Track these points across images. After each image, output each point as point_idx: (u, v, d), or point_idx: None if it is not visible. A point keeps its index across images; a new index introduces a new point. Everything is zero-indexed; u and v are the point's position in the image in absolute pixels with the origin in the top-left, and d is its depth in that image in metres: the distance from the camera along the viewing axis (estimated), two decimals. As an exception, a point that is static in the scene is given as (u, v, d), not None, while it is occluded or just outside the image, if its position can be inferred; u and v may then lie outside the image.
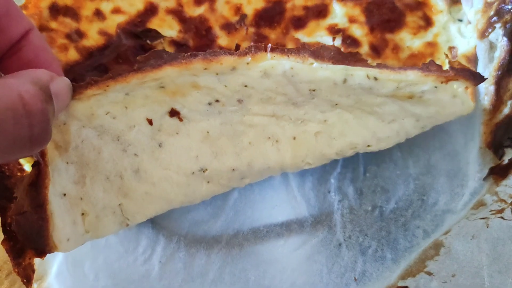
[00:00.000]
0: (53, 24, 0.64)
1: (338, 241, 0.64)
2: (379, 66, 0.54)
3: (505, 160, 0.63)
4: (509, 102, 0.61)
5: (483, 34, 0.64)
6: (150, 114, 0.56)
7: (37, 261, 0.61)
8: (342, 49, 0.66)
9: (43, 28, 0.63)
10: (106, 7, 0.67)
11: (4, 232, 0.55)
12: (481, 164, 0.65)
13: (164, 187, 0.59)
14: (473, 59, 0.65)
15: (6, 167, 0.59)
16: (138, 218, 0.59)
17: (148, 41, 0.66)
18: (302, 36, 0.68)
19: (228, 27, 0.68)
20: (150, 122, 0.56)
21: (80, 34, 0.65)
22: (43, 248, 0.53)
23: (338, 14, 0.69)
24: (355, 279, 0.62)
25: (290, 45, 0.67)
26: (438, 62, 0.65)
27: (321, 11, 0.69)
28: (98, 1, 0.67)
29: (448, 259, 0.58)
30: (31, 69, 0.44)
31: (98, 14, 0.66)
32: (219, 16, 0.69)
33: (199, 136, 0.58)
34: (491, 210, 0.60)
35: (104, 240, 0.66)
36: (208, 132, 0.58)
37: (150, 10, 0.68)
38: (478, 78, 0.55)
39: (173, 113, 0.57)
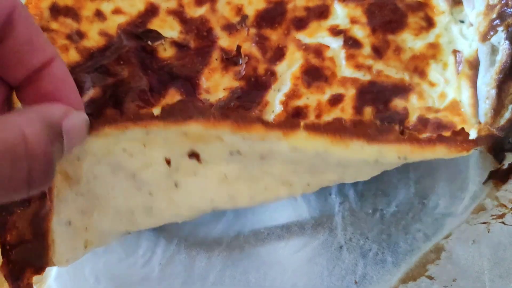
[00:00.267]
0: (54, 25, 0.64)
1: (339, 244, 0.64)
2: (410, 141, 0.53)
3: (505, 164, 0.63)
4: (510, 106, 0.61)
5: (485, 37, 0.64)
6: (169, 154, 0.55)
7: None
8: (344, 51, 0.66)
9: (44, 29, 0.63)
10: (106, 8, 0.67)
11: (2, 253, 0.54)
12: (481, 168, 0.65)
13: (173, 220, 0.59)
14: (475, 63, 0.64)
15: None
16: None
17: (149, 42, 0.66)
18: (304, 37, 0.68)
19: (229, 28, 0.68)
20: (168, 162, 0.55)
21: (81, 35, 0.64)
22: (41, 267, 0.54)
23: (340, 15, 0.69)
24: (356, 282, 0.62)
25: (291, 46, 0.67)
26: (440, 64, 0.65)
27: (323, 12, 0.69)
28: (98, 1, 0.67)
29: (449, 263, 0.58)
30: (45, 103, 0.43)
31: (99, 14, 0.66)
32: (220, 17, 0.68)
33: (216, 178, 0.57)
34: (492, 215, 0.60)
35: (104, 244, 0.66)
36: (226, 176, 0.57)
37: (151, 11, 0.68)
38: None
39: (193, 155, 0.55)
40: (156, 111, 0.52)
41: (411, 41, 0.67)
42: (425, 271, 0.59)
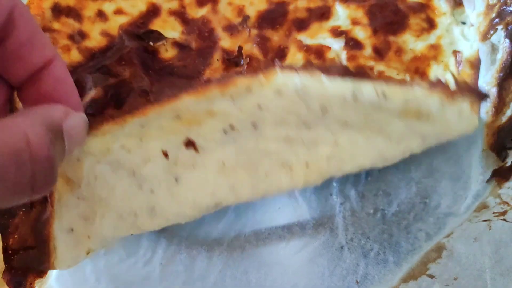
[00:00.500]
0: (56, 25, 0.64)
1: (340, 244, 0.64)
2: (385, 79, 0.55)
3: (508, 162, 0.62)
4: (511, 104, 0.61)
5: (485, 36, 0.64)
6: (165, 145, 0.55)
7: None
8: (345, 52, 0.66)
9: (46, 29, 0.63)
10: (108, 8, 0.67)
11: (5, 259, 0.54)
12: (484, 166, 0.65)
13: (176, 220, 0.59)
14: (476, 63, 0.64)
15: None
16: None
17: (150, 43, 0.66)
18: (305, 38, 0.68)
19: (231, 29, 0.68)
20: (165, 154, 0.56)
21: (83, 35, 0.65)
22: (43, 271, 0.54)
23: (341, 16, 0.69)
24: (357, 282, 0.62)
25: (292, 47, 0.67)
26: (441, 65, 0.65)
27: (324, 13, 0.69)
28: (100, 1, 0.67)
29: (450, 261, 0.58)
30: (45, 105, 0.43)
31: (101, 15, 0.66)
32: (221, 18, 0.69)
33: (215, 167, 0.57)
34: (494, 213, 0.59)
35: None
36: (224, 163, 0.57)
37: (153, 11, 0.68)
38: (482, 95, 0.56)
39: (189, 143, 0.56)
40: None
41: (413, 43, 0.67)
42: (426, 269, 0.59)
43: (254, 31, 0.68)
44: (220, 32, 0.68)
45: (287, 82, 0.54)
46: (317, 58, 0.66)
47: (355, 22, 0.68)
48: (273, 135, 0.58)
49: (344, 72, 0.55)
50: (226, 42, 0.67)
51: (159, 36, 0.66)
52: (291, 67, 0.54)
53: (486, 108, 0.63)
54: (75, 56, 0.63)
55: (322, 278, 0.63)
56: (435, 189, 0.65)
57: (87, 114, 0.48)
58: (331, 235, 0.64)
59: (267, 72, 0.54)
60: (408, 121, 0.57)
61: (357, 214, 0.65)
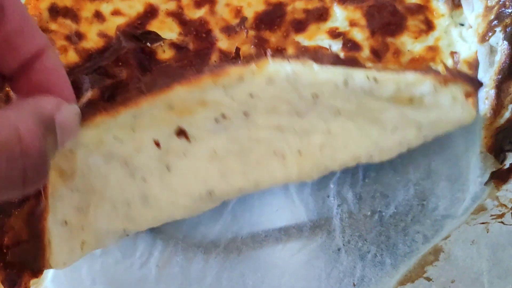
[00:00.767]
0: (53, 26, 0.64)
1: (337, 246, 0.64)
2: (377, 68, 0.55)
3: (507, 164, 0.62)
4: (510, 106, 0.61)
5: (483, 38, 0.64)
6: (157, 135, 0.56)
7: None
8: (343, 54, 0.65)
9: (43, 30, 0.62)
10: (106, 9, 0.67)
11: None
12: (482, 168, 0.65)
13: (171, 211, 0.58)
14: (475, 64, 0.64)
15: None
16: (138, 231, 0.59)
17: (148, 44, 0.65)
18: (303, 39, 0.67)
19: (228, 30, 0.68)
20: (157, 144, 0.56)
21: (80, 36, 0.64)
22: (39, 269, 0.54)
23: (339, 17, 0.69)
24: (354, 285, 0.61)
25: (290, 49, 0.66)
26: (438, 67, 0.65)
27: (322, 15, 0.69)
28: (98, 2, 0.67)
29: (447, 264, 0.58)
30: (37, 97, 0.42)
31: (98, 15, 0.66)
32: (219, 19, 0.68)
33: (206, 156, 0.58)
34: (492, 215, 0.59)
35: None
36: (215, 152, 0.58)
37: (150, 12, 0.68)
38: (476, 83, 0.55)
39: (180, 132, 0.56)
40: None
41: (411, 44, 0.67)
42: (423, 272, 0.59)
43: (252, 32, 0.68)
44: (217, 33, 0.68)
45: (279, 70, 0.55)
46: (315, 60, 0.66)
47: (353, 24, 0.68)
48: (264, 124, 0.58)
49: (336, 60, 0.56)
50: (223, 43, 0.67)
51: (156, 37, 0.66)
52: (283, 56, 0.56)
53: (484, 111, 0.62)
54: (72, 57, 0.63)
55: (319, 280, 0.62)
56: (432, 191, 0.65)
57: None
58: (328, 237, 0.64)
59: (258, 61, 0.55)
60: (401, 108, 0.58)
61: (354, 216, 0.65)
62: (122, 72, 0.62)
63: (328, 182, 0.67)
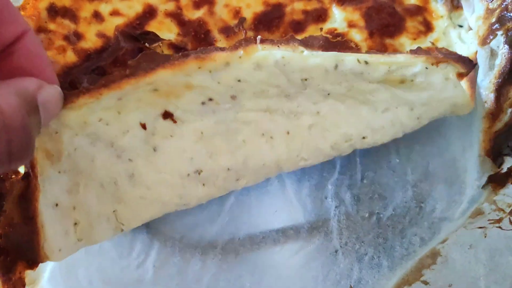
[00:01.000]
0: (51, 26, 0.64)
1: (335, 248, 0.64)
2: (368, 51, 0.56)
3: (504, 168, 0.62)
4: (509, 110, 0.61)
5: (484, 41, 0.63)
6: (143, 117, 0.56)
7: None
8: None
9: (41, 30, 0.63)
10: (104, 9, 0.66)
11: None
12: (479, 172, 0.65)
13: (159, 190, 0.58)
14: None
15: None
16: (133, 223, 0.59)
17: (146, 44, 0.65)
18: (301, 40, 0.67)
19: (227, 31, 0.68)
20: (143, 126, 0.56)
21: (78, 36, 0.64)
22: (34, 259, 0.53)
23: (338, 18, 0.69)
24: (351, 287, 0.61)
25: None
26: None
27: (321, 15, 0.69)
28: (96, 2, 0.66)
29: (445, 268, 0.58)
30: (19, 77, 0.43)
31: (97, 16, 0.66)
32: (218, 20, 0.68)
33: (193, 137, 0.58)
34: (489, 220, 0.59)
35: (98, 245, 0.65)
36: (202, 133, 0.58)
37: (149, 13, 0.68)
38: (467, 62, 0.56)
39: (167, 115, 0.57)
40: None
41: (409, 45, 0.66)
42: (420, 276, 0.59)
43: (250, 33, 0.67)
44: (216, 34, 0.67)
45: (267, 56, 0.55)
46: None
47: (351, 25, 0.68)
48: (252, 106, 0.59)
49: (326, 44, 0.56)
50: (222, 44, 0.67)
51: (155, 38, 0.66)
52: (272, 42, 0.56)
53: (483, 114, 0.62)
54: (71, 57, 0.63)
55: (316, 282, 0.63)
56: (430, 193, 0.65)
57: (61, 88, 0.49)
58: (326, 239, 0.64)
59: (247, 48, 0.55)
60: (392, 89, 0.59)
61: (352, 218, 0.65)
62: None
63: (326, 183, 0.67)
